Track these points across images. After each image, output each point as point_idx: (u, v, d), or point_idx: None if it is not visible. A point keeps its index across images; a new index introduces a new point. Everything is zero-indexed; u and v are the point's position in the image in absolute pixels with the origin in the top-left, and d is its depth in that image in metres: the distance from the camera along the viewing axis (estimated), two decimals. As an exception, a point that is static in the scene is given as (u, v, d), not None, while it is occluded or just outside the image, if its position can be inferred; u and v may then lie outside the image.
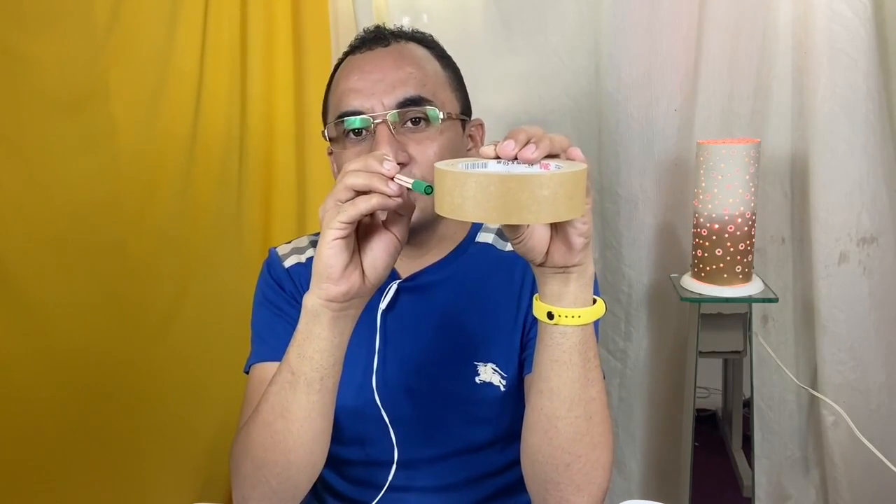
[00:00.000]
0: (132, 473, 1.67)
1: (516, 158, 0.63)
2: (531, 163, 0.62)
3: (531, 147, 0.62)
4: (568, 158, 0.65)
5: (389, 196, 0.68)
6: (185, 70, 1.64)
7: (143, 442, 1.68)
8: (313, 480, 0.82)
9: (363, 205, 0.68)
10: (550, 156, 0.63)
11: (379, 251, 0.73)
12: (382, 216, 0.73)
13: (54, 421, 1.56)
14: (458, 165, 0.62)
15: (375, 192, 0.68)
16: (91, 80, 1.56)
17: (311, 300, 0.72)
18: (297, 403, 0.75)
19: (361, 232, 0.73)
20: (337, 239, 0.69)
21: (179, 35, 1.63)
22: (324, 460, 0.81)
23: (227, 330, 1.70)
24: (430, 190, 0.65)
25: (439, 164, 0.62)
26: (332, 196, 0.70)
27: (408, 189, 0.69)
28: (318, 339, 0.73)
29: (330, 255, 0.69)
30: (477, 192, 0.58)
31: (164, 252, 1.67)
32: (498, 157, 0.64)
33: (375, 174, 0.68)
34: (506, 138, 0.63)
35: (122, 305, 1.64)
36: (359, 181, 0.68)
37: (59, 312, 1.56)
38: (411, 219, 0.75)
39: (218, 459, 1.73)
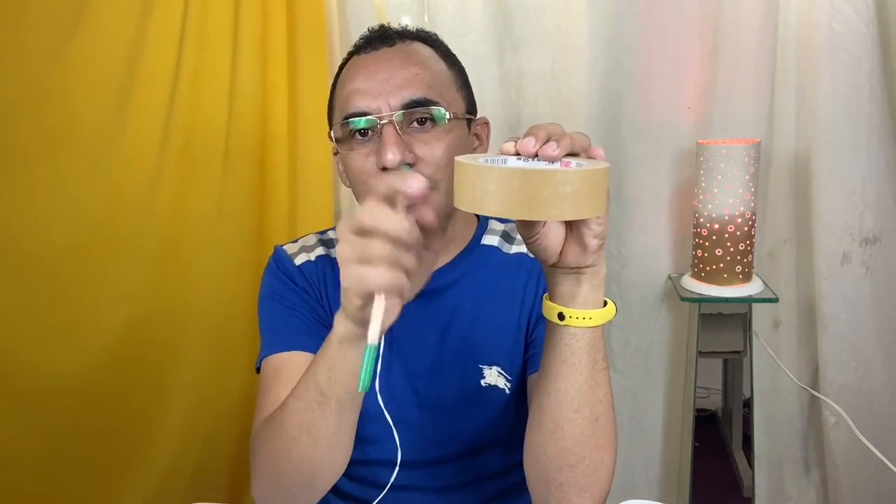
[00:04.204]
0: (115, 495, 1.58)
1: (537, 155, 0.62)
2: (552, 160, 0.61)
3: (552, 144, 0.61)
4: (589, 157, 0.64)
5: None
6: (156, 68, 1.52)
7: (125, 468, 1.58)
8: (335, 481, 0.82)
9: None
10: (571, 154, 0.63)
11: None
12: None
13: (31, 456, 1.47)
14: (479, 160, 0.61)
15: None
16: (51, 77, 1.44)
17: (343, 326, 0.68)
18: (326, 422, 0.74)
19: None
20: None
21: (151, 31, 1.51)
22: (347, 463, 0.80)
23: (197, 346, 1.61)
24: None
25: (459, 158, 0.62)
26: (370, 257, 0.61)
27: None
28: (352, 363, 0.70)
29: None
30: (499, 186, 0.57)
31: (127, 262, 1.54)
32: (518, 154, 0.63)
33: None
34: (526, 135, 0.63)
35: (74, 321, 1.49)
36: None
37: (10, 329, 1.43)
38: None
39: (202, 482, 1.65)
